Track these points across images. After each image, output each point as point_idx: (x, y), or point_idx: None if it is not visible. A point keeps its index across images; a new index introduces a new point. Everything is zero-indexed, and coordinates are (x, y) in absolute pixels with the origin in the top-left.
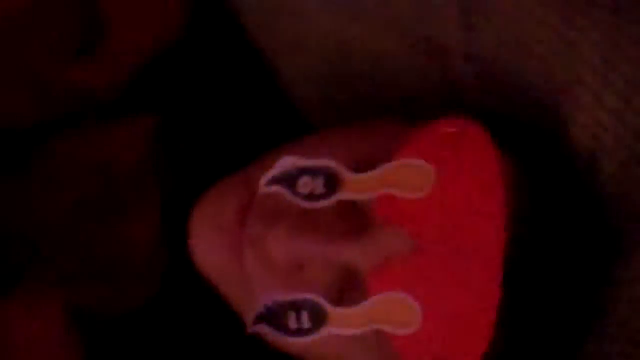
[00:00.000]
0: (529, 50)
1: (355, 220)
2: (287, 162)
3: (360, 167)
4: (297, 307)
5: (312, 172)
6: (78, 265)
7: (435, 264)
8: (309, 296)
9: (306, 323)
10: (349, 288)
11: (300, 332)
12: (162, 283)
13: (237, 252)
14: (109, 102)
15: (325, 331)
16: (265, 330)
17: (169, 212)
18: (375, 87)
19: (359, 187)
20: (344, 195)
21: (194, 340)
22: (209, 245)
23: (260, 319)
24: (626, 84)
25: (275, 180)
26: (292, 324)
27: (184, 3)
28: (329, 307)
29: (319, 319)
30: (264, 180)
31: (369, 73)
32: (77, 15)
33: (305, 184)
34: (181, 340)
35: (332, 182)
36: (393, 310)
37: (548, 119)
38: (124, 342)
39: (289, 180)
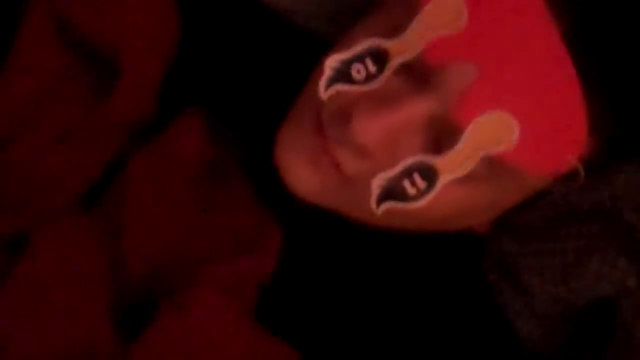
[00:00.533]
0: None
1: (417, 78)
2: (332, 61)
3: (398, 30)
4: (407, 173)
5: (357, 58)
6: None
7: (505, 75)
8: (412, 159)
9: (421, 184)
10: (442, 136)
11: (420, 193)
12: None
13: (330, 162)
14: (149, 120)
15: (440, 183)
16: (389, 205)
17: (254, 174)
18: None
19: (403, 48)
20: (394, 62)
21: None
22: (304, 174)
23: (381, 199)
24: None
25: (330, 82)
26: (410, 190)
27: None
28: (433, 160)
29: (430, 175)
30: (320, 86)
31: None
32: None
33: (358, 71)
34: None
35: (379, 57)
36: (489, 131)
37: None
38: None
39: (341, 75)
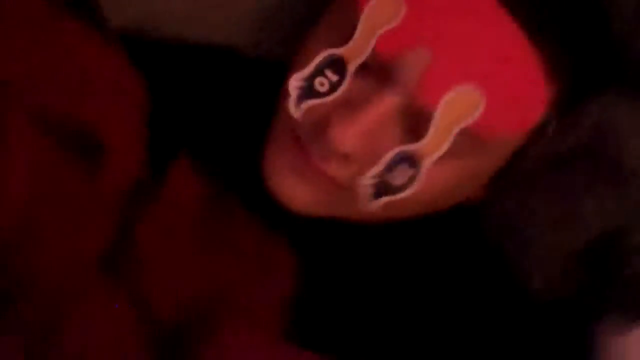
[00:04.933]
0: None
1: (377, 76)
2: (294, 81)
3: (347, 36)
4: (392, 166)
5: (317, 72)
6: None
7: (457, 50)
8: (393, 152)
9: (408, 171)
10: (416, 123)
11: (409, 180)
12: None
13: (317, 173)
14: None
15: (424, 167)
16: (383, 201)
17: (252, 203)
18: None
19: (357, 51)
20: (351, 66)
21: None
22: (294, 188)
23: (374, 197)
24: None
25: (298, 101)
26: (399, 180)
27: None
28: (413, 147)
29: (413, 161)
30: (290, 107)
31: None
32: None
33: (321, 84)
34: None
35: (337, 65)
36: (457, 106)
37: None
38: None
39: (307, 92)
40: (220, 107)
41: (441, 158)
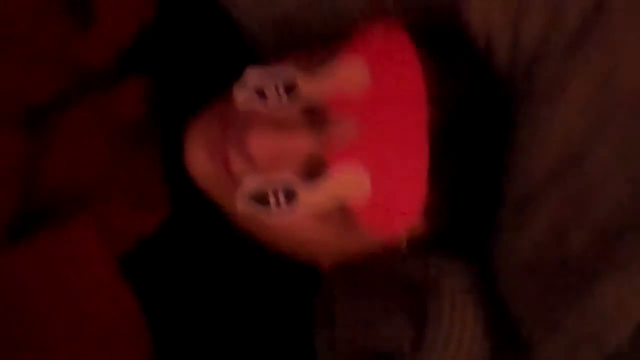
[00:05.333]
0: None
1: (314, 118)
2: (253, 74)
3: (315, 72)
4: (274, 187)
5: (272, 80)
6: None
7: (377, 141)
8: (282, 176)
9: (283, 202)
10: (313, 171)
11: (279, 209)
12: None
13: (224, 157)
14: (104, 75)
15: (297, 208)
16: (251, 207)
17: (168, 149)
18: (320, 27)
19: (311, 88)
20: (302, 100)
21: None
22: (200, 158)
23: (246, 198)
24: None
25: (244, 89)
26: (272, 202)
27: None
28: (298, 185)
29: (291, 197)
30: (238, 94)
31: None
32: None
33: (271, 94)
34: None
35: (290, 89)
36: (348, 179)
37: (451, 20)
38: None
39: (257, 90)
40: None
41: (316, 216)
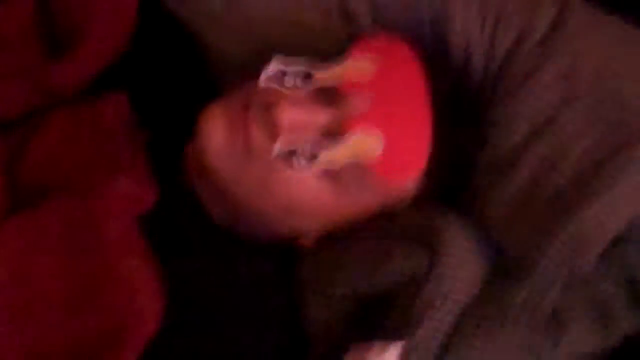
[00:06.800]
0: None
1: (327, 97)
2: (275, 64)
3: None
4: (299, 147)
5: (291, 73)
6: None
7: (387, 108)
8: (306, 142)
9: (302, 161)
10: (330, 138)
11: (301, 168)
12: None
13: (245, 132)
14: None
15: (317, 166)
16: (282, 158)
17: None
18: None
19: (326, 78)
20: (316, 85)
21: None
22: (220, 134)
23: (278, 154)
24: None
25: (268, 76)
26: (295, 162)
27: (133, 15)
28: (317, 151)
29: (314, 154)
30: (262, 76)
31: (290, 41)
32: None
33: (289, 81)
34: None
35: (305, 78)
36: (364, 143)
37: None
38: None
39: (277, 78)
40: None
41: (330, 177)
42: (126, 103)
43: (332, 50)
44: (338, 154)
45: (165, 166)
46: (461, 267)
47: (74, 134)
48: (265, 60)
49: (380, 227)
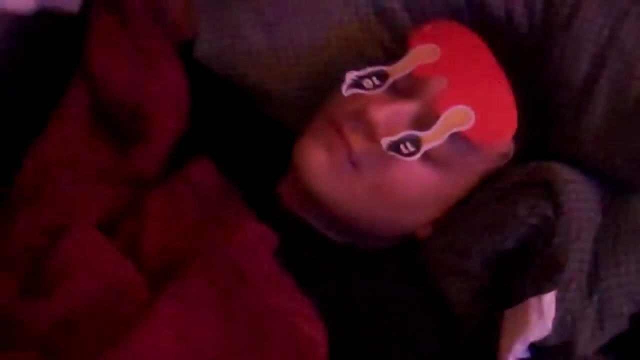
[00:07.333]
0: None
1: (405, 90)
2: (351, 74)
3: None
4: (402, 141)
5: (367, 75)
6: None
7: (464, 80)
8: (404, 132)
9: (410, 147)
10: (423, 122)
11: (410, 153)
12: None
13: (346, 148)
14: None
15: (423, 148)
16: (395, 155)
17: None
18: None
19: (398, 70)
20: (392, 78)
21: None
22: (320, 158)
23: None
24: None
25: (349, 87)
26: (404, 150)
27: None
28: (419, 134)
29: (416, 142)
30: (343, 88)
31: (338, 58)
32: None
33: (367, 83)
34: None
35: (381, 76)
36: (456, 117)
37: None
38: None
39: (356, 84)
40: (245, 131)
41: (431, 161)
42: (212, 165)
43: (378, 55)
44: (438, 132)
45: (261, 211)
46: (582, 200)
47: (178, 211)
48: (316, 88)
49: (494, 190)
